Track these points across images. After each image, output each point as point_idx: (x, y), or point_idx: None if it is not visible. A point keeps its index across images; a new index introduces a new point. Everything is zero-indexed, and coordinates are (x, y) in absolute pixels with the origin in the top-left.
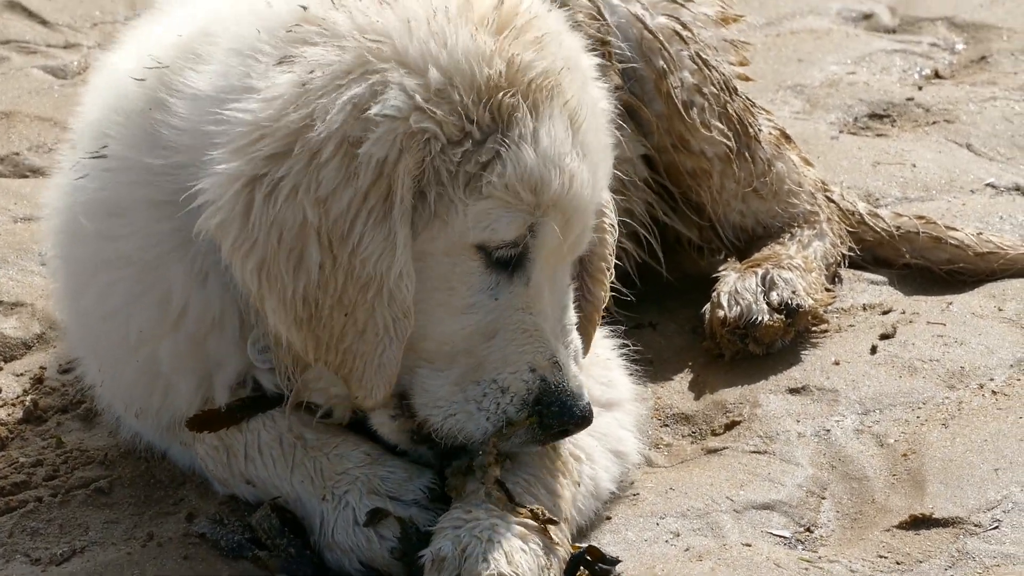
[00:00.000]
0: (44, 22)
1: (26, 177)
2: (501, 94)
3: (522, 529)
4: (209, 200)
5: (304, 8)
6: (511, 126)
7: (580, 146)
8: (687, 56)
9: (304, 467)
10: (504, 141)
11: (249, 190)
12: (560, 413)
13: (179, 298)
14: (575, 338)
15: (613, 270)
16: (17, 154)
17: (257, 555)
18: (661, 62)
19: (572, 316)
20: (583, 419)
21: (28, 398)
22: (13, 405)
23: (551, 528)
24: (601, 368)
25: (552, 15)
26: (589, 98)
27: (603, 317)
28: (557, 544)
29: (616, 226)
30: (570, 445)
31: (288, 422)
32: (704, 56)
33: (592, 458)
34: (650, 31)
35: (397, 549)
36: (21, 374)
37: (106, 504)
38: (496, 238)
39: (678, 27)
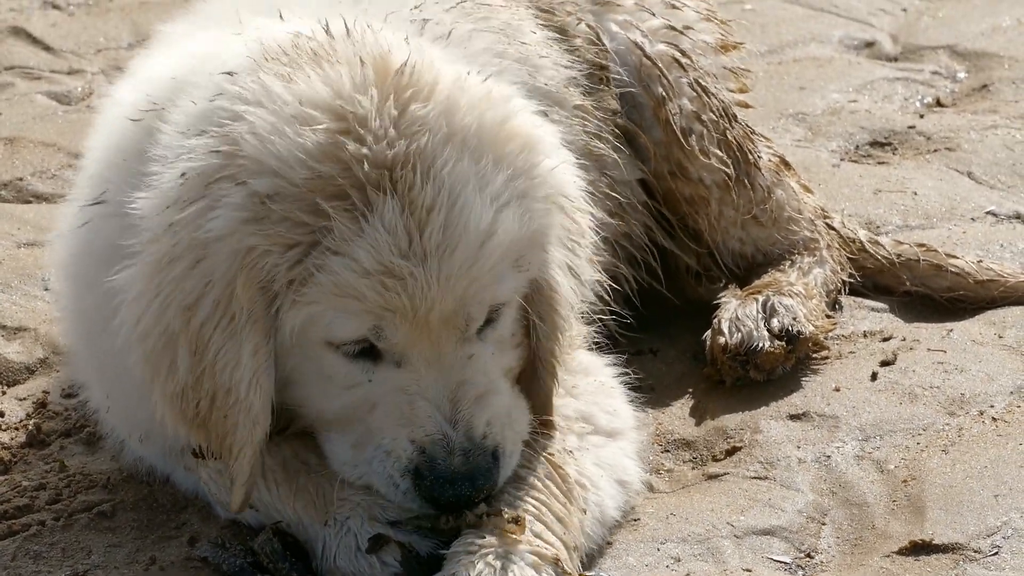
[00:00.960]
0: (48, 48)
1: (29, 203)
2: (327, 196)
3: (535, 558)
4: (124, 283)
5: (229, 74)
6: (331, 231)
7: (426, 244)
8: (686, 83)
9: (307, 492)
10: (326, 247)
11: (139, 291)
12: (431, 488)
13: None
14: (494, 405)
15: (569, 324)
16: (21, 179)
17: None
18: (660, 89)
19: (477, 388)
20: (457, 498)
21: (31, 422)
22: (16, 429)
23: (562, 560)
24: (605, 396)
25: (445, 76)
26: (465, 174)
27: (601, 346)
28: (568, 573)
29: (571, 291)
30: (576, 473)
31: (292, 447)
32: (703, 83)
33: (597, 486)
34: (649, 58)
35: (399, 575)
36: (24, 398)
37: (109, 528)
38: (337, 338)
39: (677, 54)
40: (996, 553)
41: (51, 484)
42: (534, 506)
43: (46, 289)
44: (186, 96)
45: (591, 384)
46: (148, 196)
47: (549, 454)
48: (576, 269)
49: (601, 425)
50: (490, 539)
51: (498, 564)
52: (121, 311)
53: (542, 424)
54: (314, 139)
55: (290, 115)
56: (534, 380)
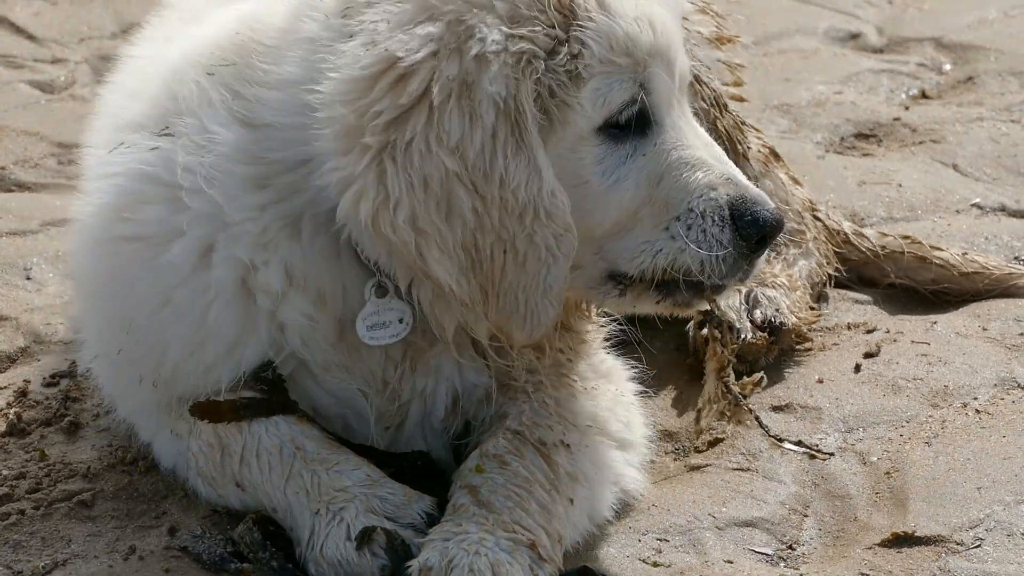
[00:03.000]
0: (31, 37)
1: (11, 192)
2: None
3: (510, 543)
4: (340, 180)
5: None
6: (577, 9)
7: None
8: None
9: (300, 478)
10: (581, 26)
11: (379, 160)
12: (754, 221)
13: (229, 265)
14: (730, 165)
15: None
16: (3, 168)
17: (239, 569)
18: None
19: (716, 147)
20: (777, 221)
21: (12, 411)
22: None
23: (539, 545)
24: (622, 408)
25: None
26: None
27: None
28: (546, 560)
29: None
30: (568, 465)
31: (291, 431)
32: (695, 72)
33: (591, 482)
34: None
35: (387, 567)
36: (5, 387)
37: (88, 517)
38: (614, 106)
39: None
40: (978, 545)
41: (31, 473)
42: (515, 492)
43: (28, 279)
44: (285, 29)
45: (611, 391)
46: (347, 66)
47: (541, 443)
48: None
49: (612, 433)
50: (467, 526)
51: (472, 549)
52: (342, 205)
53: None
54: None
55: None
56: None
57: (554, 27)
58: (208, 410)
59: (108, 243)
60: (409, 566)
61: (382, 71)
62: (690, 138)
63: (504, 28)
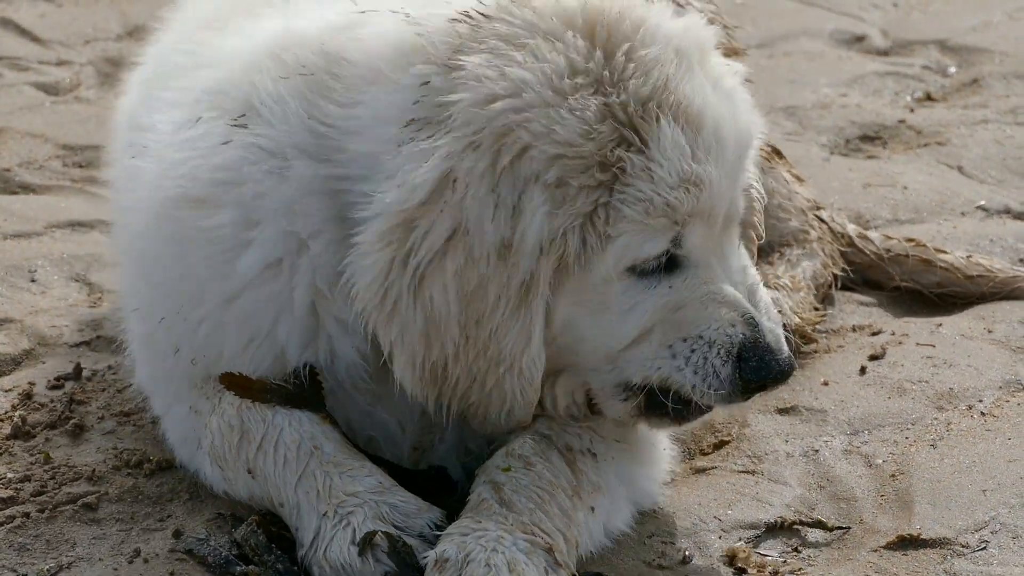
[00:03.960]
0: (36, 39)
1: (16, 193)
2: (610, 147)
3: (528, 545)
4: (360, 269)
5: (425, 82)
6: (624, 167)
7: (704, 145)
8: None
9: (313, 478)
10: (622, 191)
11: (399, 269)
12: (759, 368)
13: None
14: (763, 294)
15: (763, 234)
16: (7, 170)
17: (244, 571)
18: None
19: (754, 274)
20: (781, 373)
21: (16, 414)
22: (1, 421)
23: (556, 550)
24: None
25: (641, 8)
26: (705, 82)
27: None
28: (561, 566)
29: (763, 195)
30: (593, 475)
31: (313, 429)
32: None
33: (613, 495)
34: None
35: (391, 574)
36: (9, 390)
37: (93, 520)
38: (642, 259)
39: None
40: (984, 548)
41: (36, 476)
42: (538, 494)
43: (33, 281)
44: (367, 70)
45: None
46: (393, 192)
47: (568, 448)
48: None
49: (637, 448)
50: (486, 523)
51: (490, 546)
52: (357, 275)
53: None
54: (582, 111)
55: (551, 97)
56: None
57: (597, 184)
58: (239, 383)
59: (178, 220)
60: (425, 556)
61: (438, 189)
62: (721, 275)
63: (552, 193)
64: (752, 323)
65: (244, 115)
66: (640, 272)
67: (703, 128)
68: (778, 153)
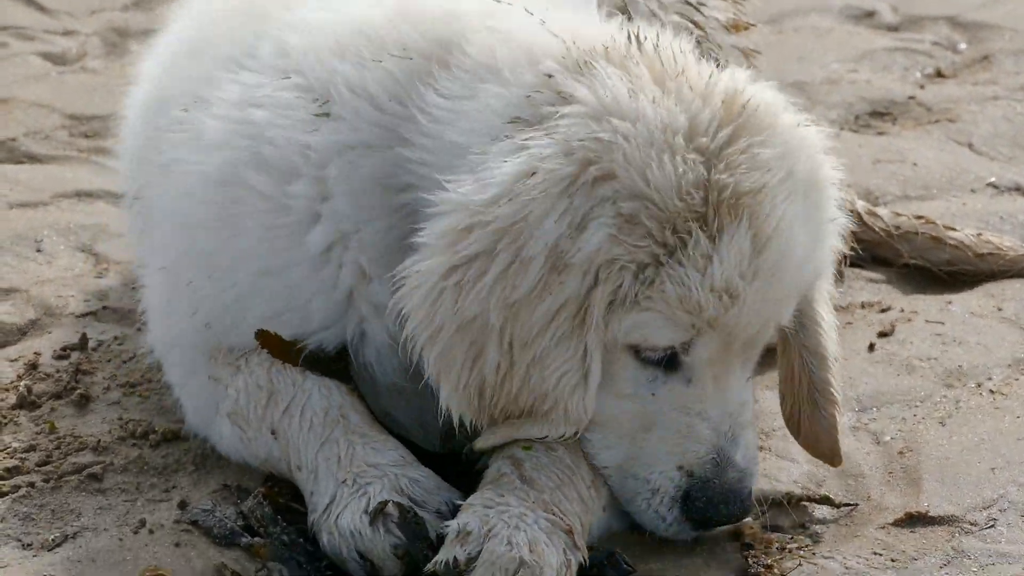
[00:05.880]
0: (42, 9)
1: (22, 163)
2: (691, 216)
3: (548, 524)
4: (409, 276)
5: (549, 76)
6: (686, 247)
7: (759, 265)
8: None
9: (336, 445)
10: (674, 261)
11: (444, 276)
12: (704, 509)
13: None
14: (749, 437)
15: (837, 360)
16: (14, 140)
17: (250, 543)
18: None
19: (748, 415)
20: (727, 519)
21: (22, 384)
22: (6, 390)
23: (575, 532)
24: None
25: (782, 110)
26: (798, 210)
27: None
28: (579, 548)
29: (834, 323)
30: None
31: (342, 399)
32: (715, 55)
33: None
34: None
35: (400, 546)
36: (15, 360)
37: (98, 490)
38: (646, 344)
39: (690, 26)
40: (992, 526)
41: (41, 446)
42: (558, 475)
43: (39, 251)
44: (486, 65)
45: None
46: (468, 187)
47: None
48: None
49: None
50: (508, 498)
51: (512, 522)
52: (408, 294)
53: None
54: (684, 169)
55: (662, 143)
56: (814, 419)
57: (662, 247)
58: (274, 343)
59: (235, 187)
60: (446, 525)
61: (513, 184)
62: (705, 403)
63: (611, 231)
64: (713, 464)
65: (327, 101)
66: (643, 358)
67: (767, 250)
68: None
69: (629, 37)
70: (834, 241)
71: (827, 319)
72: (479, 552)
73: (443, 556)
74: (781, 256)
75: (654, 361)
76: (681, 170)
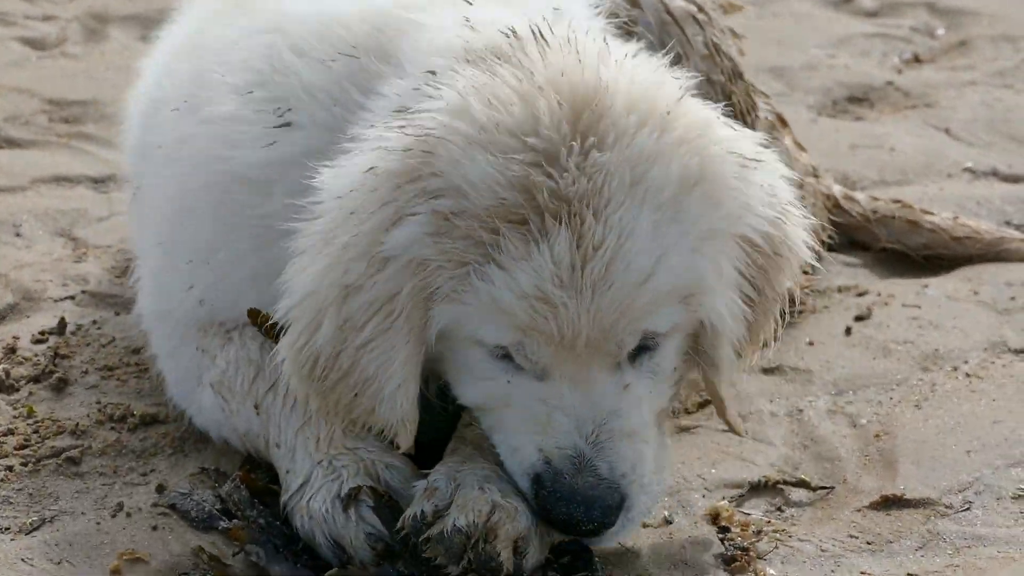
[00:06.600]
0: None
1: (1, 148)
2: (506, 219)
3: (514, 488)
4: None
5: (432, 73)
6: (499, 250)
7: (580, 276)
8: (701, 41)
9: (316, 426)
10: (488, 263)
11: (303, 251)
12: (548, 499)
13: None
14: (621, 449)
15: (732, 364)
16: None
17: (227, 526)
18: (678, 47)
19: (623, 423)
20: (570, 519)
21: (0, 367)
22: None
23: None
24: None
25: (633, 111)
26: (643, 219)
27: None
28: None
29: (753, 310)
30: None
31: None
32: (716, 41)
33: None
34: (671, 13)
35: (374, 535)
36: None
37: (76, 474)
38: (485, 342)
39: (694, 10)
40: (967, 508)
41: (19, 430)
42: None
43: (17, 235)
44: (404, 59)
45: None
46: (335, 172)
47: None
48: (759, 304)
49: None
50: (472, 464)
51: (480, 475)
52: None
53: None
54: (506, 169)
55: (486, 141)
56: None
57: (481, 245)
58: (264, 323)
59: (230, 180)
60: (415, 485)
61: (351, 183)
62: (565, 400)
63: (425, 228)
64: (573, 462)
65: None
66: (490, 352)
67: (591, 261)
68: (783, 122)
69: (534, 33)
70: (729, 251)
71: (726, 328)
72: (448, 505)
73: (410, 511)
74: (614, 269)
75: (498, 356)
76: (500, 170)
